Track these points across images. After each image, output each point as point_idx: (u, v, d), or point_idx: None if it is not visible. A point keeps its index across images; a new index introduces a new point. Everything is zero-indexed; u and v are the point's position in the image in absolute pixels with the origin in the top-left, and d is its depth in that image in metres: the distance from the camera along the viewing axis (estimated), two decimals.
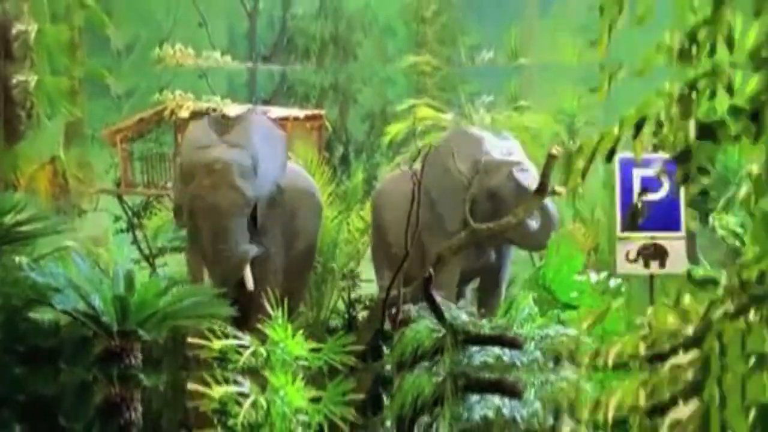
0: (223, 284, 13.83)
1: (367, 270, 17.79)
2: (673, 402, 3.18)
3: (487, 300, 15.32)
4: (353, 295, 17.83)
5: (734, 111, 2.90)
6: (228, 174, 13.93)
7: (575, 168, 3.38)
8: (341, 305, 17.67)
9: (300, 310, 15.19)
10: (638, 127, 3.22)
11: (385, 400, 12.19)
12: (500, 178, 14.56)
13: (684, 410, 3.02)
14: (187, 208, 14.25)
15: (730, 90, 3.02)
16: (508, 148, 15.28)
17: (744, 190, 3.09)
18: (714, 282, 2.90)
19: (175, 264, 18.93)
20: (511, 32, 24.80)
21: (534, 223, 14.22)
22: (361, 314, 17.50)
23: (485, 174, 14.51)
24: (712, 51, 2.89)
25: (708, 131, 2.98)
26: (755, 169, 3.06)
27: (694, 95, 3.08)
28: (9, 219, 12.66)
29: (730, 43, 2.89)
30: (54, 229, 13.08)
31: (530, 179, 14.21)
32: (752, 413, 2.68)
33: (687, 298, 2.99)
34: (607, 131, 3.38)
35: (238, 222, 13.98)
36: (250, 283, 14.06)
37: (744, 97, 2.95)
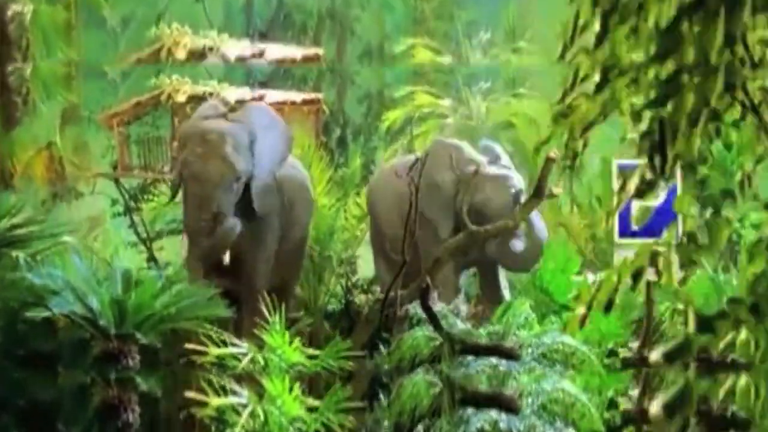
0: (203, 260, 13.80)
1: (366, 253, 17.83)
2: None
3: (488, 290, 15.37)
4: (351, 281, 17.88)
5: (733, 302, 2.90)
6: (220, 145, 13.90)
7: (575, 316, 3.36)
8: (339, 291, 17.68)
9: (297, 314, 15.21)
10: (636, 276, 3.22)
11: (382, 400, 12.22)
12: (486, 193, 14.54)
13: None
14: (178, 174, 14.26)
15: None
16: (492, 154, 15.26)
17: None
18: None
19: (171, 247, 18.94)
20: (510, 9, 24.62)
21: (520, 245, 14.22)
22: (359, 298, 17.55)
23: (474, 187, 14.37)
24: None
25: (706, 324, 2.97)
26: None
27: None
28: (5, 222, 12.64)
29: None
30: (50, 232, 13.05)
31: (516, 188, 14.26)
32: None
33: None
34: (605, 280, 3.36)
35: (224, 194, 13.88)
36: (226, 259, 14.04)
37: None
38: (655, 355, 3.15)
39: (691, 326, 2.96)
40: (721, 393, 2.88)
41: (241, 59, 20.23)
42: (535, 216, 14.25)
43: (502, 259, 14.63)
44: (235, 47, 19.98)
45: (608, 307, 3.30)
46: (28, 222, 12.81)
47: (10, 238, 12.63)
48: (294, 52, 21.64)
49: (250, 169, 14.13)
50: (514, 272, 15.49)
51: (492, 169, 14.85)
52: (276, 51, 21.05)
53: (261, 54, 20.53)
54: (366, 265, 17.98)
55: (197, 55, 19.56)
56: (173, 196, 14.80)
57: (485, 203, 14.47)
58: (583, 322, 3.33)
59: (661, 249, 3.17)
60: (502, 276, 15.37)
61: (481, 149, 15.49)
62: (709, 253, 2.99)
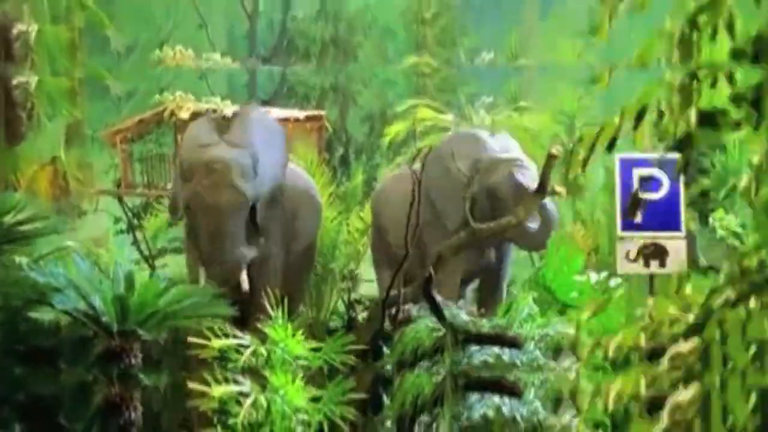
0: (219, 286, 13.81)
1: (367, 271, 17.80)
2: (673, 389, 3.17)
3: (487, 300, 15.33)
4: (353, 296, 17.82)
5: (735, 98, 2.90)
6: (227, 174, 13.89)
7: (576, 158, 3.37)
8: (341, 306, 17.63)
9: (300, 310, 15.18)
10: (639, 116, 3.22)
11: (386, 400, 12.21)
12: (499, 176, 14.56)
13: (684, 395, 3.01)
14: (185, 206, 14.25)
15: (731, 79, 3.02)
16: (508, 147, 15.29)
17: (745, 180, 3.09)
18: (715, 270, 2.91)
19: (175, 265, 18.92)
20: (511, 33, 24.81)
21: (534, 224, 14.21)
22: (361, 315, 17.49)
23: (485, 172, 14.52)
24: (713, 37, 2.90)
25: (709, 119, 2.97)
26: (756, 158, 3.06)
27: (694, 84, 3.08)
28: (9, 219, 12.67)
29: (731, 29, 2.89)
30: (54, 229, 13.08)
31: (530, 178, 14.21)
32: (753, 398, 2.68)
33: (688, 288, 2.98)
34: (608, 121, 3.37)
35: (236, 222, 13.92)
36: (245, 285, 14.03)
37: (745, 85, 2.95)
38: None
39: (693, 122, 2.96)
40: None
41: None
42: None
43: (517, 238, 14.60)
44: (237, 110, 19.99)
45: (610, 146, 3.30)
46: (32, 219, 12.83)
47: (13, 234, 12.65)
48: (297, 114, 21.60)
49: (257, 192, 14.16)
50: (529, 251, 15.57)
51: (505, 155, 14.91)
52: (278, 113, 21.03)
53: None
54: (368, 284, 17.93)
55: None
56: (173, 221, 14.82)
57: (498, 186, 14.48)
58: (584, 165, 3.33)
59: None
60: (504, 283, 15.39)
61: (496, 140, 15.53)
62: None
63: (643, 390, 3.36)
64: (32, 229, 12.80)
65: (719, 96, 3.18)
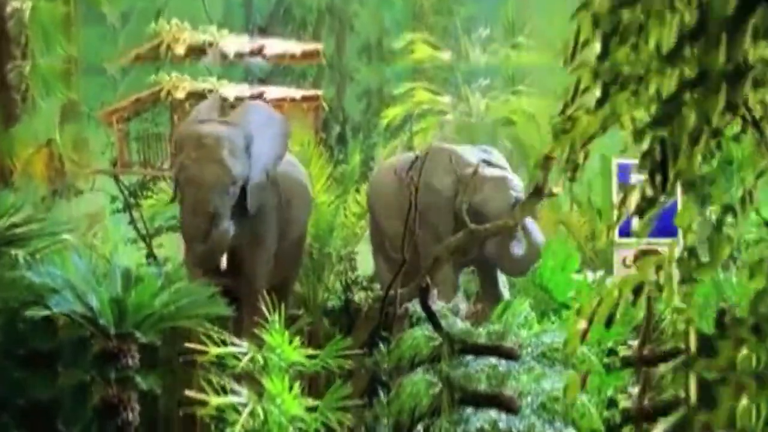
0: (200, 264, 13.77)
1: (364, 252, 17.84)
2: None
3: (487, 289, 15.38)
4: (350, 278, 17.86)
5: (735, 322, 2.90)
6: (216, 149, 13.82)
7: (576, 330, 3.37)
8: (339, 288, 17.67)
9: (297, 311, 15.21)
10: (636, 292, 3.23)
11: (382, 398, 12.24)
12: (485, 194, 14.53)
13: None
14: (174, 179, 14.24)
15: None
16: (489, 157, 15.27)
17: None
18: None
19: (170, 244, 18.96)
20: (508, 4, 24.59)
21: (519, 249, 14.23)
22: (358, 295, 17.53)
23: (470, 190, 14.35)
24: None
25: (707, 344, 2.98)
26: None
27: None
28: (5, 221, 12.64)
29: None
30: (50, 230, 13.05)
31: (516, 193, 14.26)
32: None
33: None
34: (606, 296, 3.37)
35: (220, 198, 13.76)
36: (223, 263, 14.00)
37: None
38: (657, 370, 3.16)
39: (692, 345, 2.96)
40: (723, 416, 2.88)
41: (239, 55, 20.19)
42: (530, 221, 14.26)
43: (500, 262, 14.64)
44: (234, 43, 19.94)
45: (609, 322, 3.31)
46: (28, 221, 12.81)
47: (9, 236, 12.62)
48: (293, 47, 21.57)
49: (247, 173, 14.06)
50: (513, 276, 15.46)
51: (490, 170, 14.85)
52: (275, 46, 21.00)
53: (260, 49, 20.49)
54: (365, 263, 17.97)
55: (196, 51, 19.54)
56: (173, 199, 14.76)
57: (483, 204, 14.46)
58: (584, 336, 3.34)
59: (662, 262, 3.17)
60: (501, 274, 15.39)
61: (479, 152, 15.49)
62: (709, 269, 2.99)
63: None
64: (28, 231, 12.77)
65: None
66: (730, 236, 2.95)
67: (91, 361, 12.14)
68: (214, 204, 13.66)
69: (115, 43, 24.19)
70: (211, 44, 19.28)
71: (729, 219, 3.01)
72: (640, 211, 3.20)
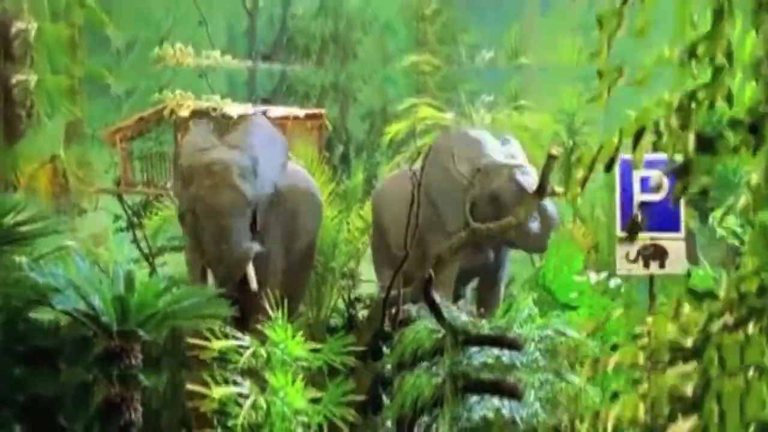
0: (225, 283, 13.81)
1: (367, 270, 17.81)
2: (672, 417, 3.16)
3: (486, 299, 15.33)
4: (353, 295, 17.81)
5: (733, 123, 2.90)
6: (227, 174, 13.92)
7: (575, 177, 3.37)
8: (342, 305, 17.62)
9: (300, 310, 15.18)
10: (637, 136, 3.23)
11: (385, 400, 12.21)
12: (501, 180, 14.55)
13: (682, 426, 3.00)
14: (188, 210, 14.26)
15: (729, 100, 3.02)
16: (509, 150, 15.29)
17: (743, 199, 3.09)
18: (713, 295, 2.89)
19: (174, 263, 18.93)
20: (511, 31, 24.75)
21: (535, 225, 14.22)
22: (362, 313, 17.47)
23: (486, 176, 14.48)
24: (712, 64, 2.89)
25: (707, 144, 2.97)
26: (754, 178, 3.06)
27: (693, 105, 3.08)
28: (9, 219, 12.66)
29: (729, 57, 2.89)
30: (54, 229, 13.08)
31: (531, 182, 14.20)
32: (751, 429, 2.67)
33: (686, 309, 2.97)
34: (606, 140, 3.37)
35: (239, 221, 13.91)
36: (253, 283, 14.02)
37: (742, 108, 2.95)
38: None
39: (691, 147, 2.96)
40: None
41: (243, 118, 20.14)
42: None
43: (519, 240, 14.60)
44: (238, 108, 19.99)
45: (609, 166, 3.31)
46: (32, 219, 12.82)
47: (13, 235, 12.64)
48: (297, 112, 21.58)
49: (258, 193, 14.17)
50: (530, 252, 15.54)
51: (507, 159, 14.90)
52: (278, 111, 21.02)
53: (264, 114, 20.45)
54: (368, 281, 17.94)
55: (200, 115, 19.55)
56: (185, 235, 14.83)
57: (501, 192, 14.47)
58: (584, 184, 3.33)
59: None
60: (503, 283, 15.41)
61: (499, 141, 15.53)
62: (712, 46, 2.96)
63: (641, 414, 3.35)
64: (32, 230, 12.79)
65: (719, 114, 3.19)
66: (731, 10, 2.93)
67: (93, 360, 12.12)
68: (234, 227, 13.79)
69: (120, 68, 24.32)
70: (215, 109, 19.34)
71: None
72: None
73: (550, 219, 14.31)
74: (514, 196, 14.25)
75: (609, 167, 3.32)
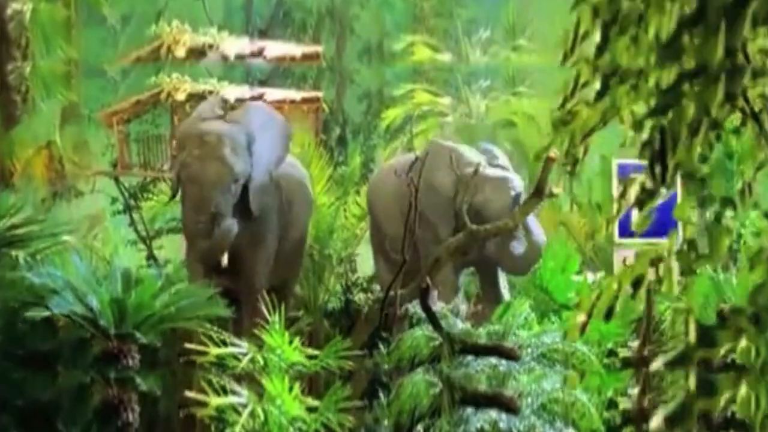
0: (202, 261, 13.76)
1: (364, 253, 17.84)
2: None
3: (488, 289, 15.37)
4: (350, 279, 17.86)
5: (734, 312, 2.90)
6: (218, 146, 13.84)
7: (574, 324, 3.37)
8: (339, 289, 17.66)
9: (297, 313, 15.22)
10: (636, 283, 3.22)
11: (382, 399, 12.23)
12: (486, 194, 14.54)
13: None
14: (177, 177, 14.24)
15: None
16: (490, 156, 15.26)
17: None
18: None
19: (171, 245, 18.96)
20: (509, 6, 24.55)
21: (520, 248, 14.23)
22: (358, 297, 17.53)
23: (470, 190, 14.31)
24: None
25: (707, 334, 2.97)
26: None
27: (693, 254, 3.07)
28: (5, 222, 12.63)
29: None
30: (50, 231, 13.04)
31: (517, 192, 14.26)
32: None
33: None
34: (606, 288, 3.37)
35: (222, 195, 13.76)
36: (224, 260, 13.98)
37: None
38: (656, 364, 3.15)
39: (692, 335, 2.96)
40: (722, 402, 2.87)
41: (240, 57, 20.21)
42: (532, 220, 14.25)
43: (502, 261, 14.63)
44: (235, 45, 19.96)
45: (608, 314, 3.31)
46: (28, 222, 12.80)
47: (9, 237, 12.62)
48: (293, 49, 21.61)
49: (248, 171, 14.07)
50: (514, 275, 15.45)
51: (491, 171, 14.85)
52: (275, 49, 21.04)
53: (260, 51, 20.51)
54: (365, 264, 17.97)
55: (197, 53, 19.55)
56: (173, 196, 14.75)
57: (484, 204, 14.46)
58: (583, 329, 3.33)
59: (661, 254, 3.17)
60: (502, 275, 15.37)
61: (480, 151, 15.49)
62: (709, 261, 2.99)
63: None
64: (28, 232, 12.77)
65: None
66: (729, 228, 2.95)
67: (91, 362, 12.14)
68: (217, 201, 13.67)
69: (116, 45, 24.18)
70: (211, 46, 19.30)
71: (728, 212, 3.01)
72: (640, 203, 3.20)
73: (536, 242, 14.26)
74: (499, 210, 14.24)
75: (608, 317, 3.31)
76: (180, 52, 19.01)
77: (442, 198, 14.69)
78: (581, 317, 3.30)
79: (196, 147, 13.91)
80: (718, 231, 2.98)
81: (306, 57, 21.60)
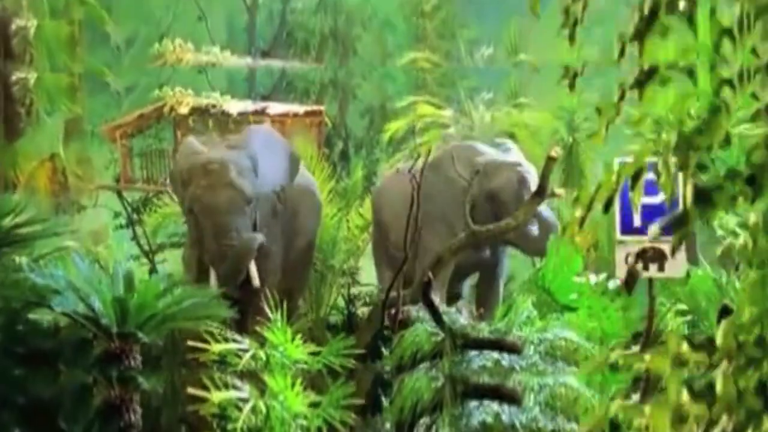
0: (228, 281, 13.79)
1: (367, 266, 17.84)
2: None
3: (485, 297, 15.38)
4: (353, 292, 17.85)
5: (731, 174, 2.90)
6: (225, 173, 13.90)
7: (573, 218, 3.38)
8: (341, 302, 17.66)
9: (300, 311, 15.20)
10: (635, 177, 3.23)
11: (384, 402, 12.20)
12: (502, 179, 14.63)
13: None
14: (188, 210, 14.27)
15: (727, 140, 3.03)
16: (508, 152, 15.35)
17: (742, 239, 3.10)
18: (711, 344, 2.89)
19: (174, 260, 18.95)
20: (511, 28, 24.68)
21: (534, 228, 14.29)
22: (361, 310, 17.51)
23: (485, 176, 14.53)
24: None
25: (705, 196, 2.98)
26: (752, 218, 3.06)
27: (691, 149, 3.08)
28: (8, 221, 12.64)
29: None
30: (53, 231, 13.06)
31: (532, 182, 14.25)
32: None
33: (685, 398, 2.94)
34: (605, 179, 3.38)
35: (238, 218, 13.90)
36: (256, 280, 14.00)
37: (741, 149, 2.97)
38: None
39: (689, 197, 2.97)
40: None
41: (242, 114, 20.24)
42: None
43: (522, 244, 14.70)
44: (237, 105, 20.03)
45: (607, 206, 3.31)
46: (31, 221, 12.80)
47: (13, 237, 12.63)
48: (296, 108, 21.62)
49: (258, 191, 14.15)
50: (530, 255, 15.64)
51: (505, 157, 15.00)
52: (277, 108, 21.05)
53: (263, 111, 20.53)
54: (368, 277, 17.97)
55: (200, 112, 19.59)
56: (189, 235, 14.84)
57: (500, 190, 14.55)
58: (581, 223, 3.34)
59: (659, 150, 3.18)
60: (501, 280, 15.46)
61: (494, 144, 15.62)
62: (708, 138, 2.98)
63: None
64: (31, 232, 12.77)
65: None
66: (727, 105, 2.95)
67: (93, 362, 12.09)
68: (236, 225, 13.75)
69: (120, 65, 24.31)
70: (214, 106, 19.36)
71: (727, 91, 3.01)
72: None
73: (548, 223, 14.39)
74: (514, 195, 14.37)
75: (607, 208, 3.32)
76: (183, 110, 19.09)
77: (456, 190, 14.68)
78: (579, 212, 3.31)
79: (202, 177, 13.96)
80: (717, 110, 2.98)
81: (309, 114, 21.47)
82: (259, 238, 13.98)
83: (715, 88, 2.95)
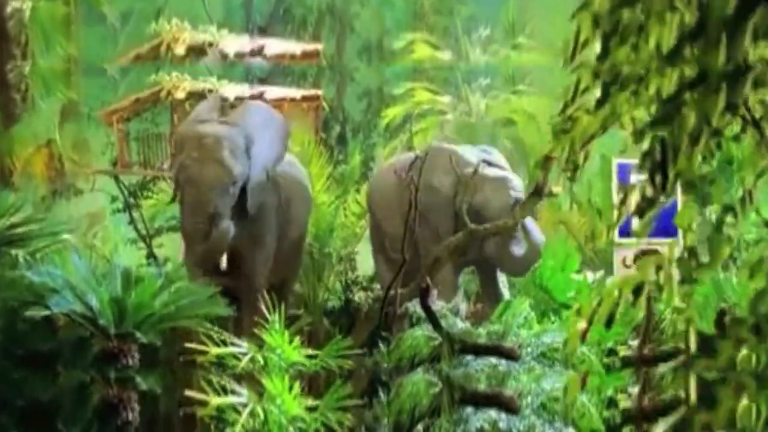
0: (198, 266, 13.75)
1: (364, 252, 17.85)
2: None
3: (487, 288, 15.39)
4: (350, 277, 17.87)
5: (735, 322, 2.90)
6: (216, 149, 13.83)
7: (575, 330, 3.37)
8: (339, 288, 17.67)
9: (297, 311, 15.22)
10: (636, 291, 3.23)
11: (382, 399, 12.22)
12: (486, 195, 14.56)
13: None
14: (175, 179, 14.24)
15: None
16: (489, 158, 15.28)
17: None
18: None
19: (171, 244, 18.95)
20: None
21: (519, 249, 14.25)
22: (358, 295, 17.53)
23: (470, 190, 14.33)
24: None
25: (707, 344, 2.98)
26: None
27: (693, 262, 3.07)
28: (4, 221, 12.61)
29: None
30: (50, 230, 13.01)
31: (517, 193, 14.26)
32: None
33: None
34: (605, 293, 3.37)
35: (220, 197, 13.78)
36: (223, 263, 13.97)
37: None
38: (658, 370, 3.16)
39: (693, 344, 2.96)
40: (723, 416, 2.87)
41: (240, 55, 20.21)
42: (530, 221, 14.28)
43: (501, 262, 14.66)
44: (234, 43, 19.96)
45: (609, 322, 3.31)
46: (28, 221, 12.77)
47: (9, 236, 12.60)
48: (293, 47, 21.63)
49: (247, 173, 14.06)
50: (513, 276, 15.46)
51: (491, 171, 14.86)
52: (275, 46, 21.03)
53: (260, 49, 20.50)
54: (365, 262, 17.99)
55: (196, 51, 19.55)
56: (173, 199, 14.75)
57: (484, 205, 14.49)
58: (584, 336, 3.34)
59: (662, 262, 3.18)
60: (501, 274, 15.40)
61: (479, 152, 15.51)
62: (709, 269, 2.98)
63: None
64: (28, 232, 12.74)
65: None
66: (730, 236, 2.95)
67: (91, 361, 12.10)
68: (215, 204, 13.67)
69: (116, 43, 24.17)
70: (211, 44, 19.29)
71: (729, 219, 3.00)
72: (640, 211, 3.20)
73: (535, 245, 14.29)
74: (498, 210, 14.26)
75: (609, 324, 3.31)
76: (179, 49, 19.00)
77: (442, 198, 14.72)
78: (582, 324, 3.30)
79: (194, 149, 13.90)
80: (719, 239, 2.98)
81: (306, 55, 21.62)
82: (232, 229, 13.83)
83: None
